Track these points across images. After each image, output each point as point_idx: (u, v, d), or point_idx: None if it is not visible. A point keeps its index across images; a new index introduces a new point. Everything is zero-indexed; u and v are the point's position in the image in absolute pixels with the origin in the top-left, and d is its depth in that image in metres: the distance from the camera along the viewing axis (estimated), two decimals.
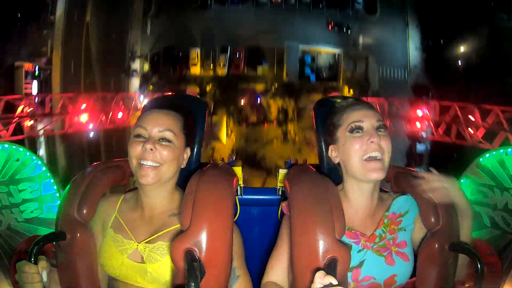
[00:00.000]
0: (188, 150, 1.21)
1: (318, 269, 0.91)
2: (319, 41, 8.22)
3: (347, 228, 1.11)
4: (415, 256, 1.15)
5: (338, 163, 1.19)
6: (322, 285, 0.85)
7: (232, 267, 1.09)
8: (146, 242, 1.10)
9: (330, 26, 7.95)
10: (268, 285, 1.14)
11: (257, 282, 1.17)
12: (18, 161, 1.73)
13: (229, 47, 8.44)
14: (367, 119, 1.12)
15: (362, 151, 1.09)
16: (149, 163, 1.08)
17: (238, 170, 1.49)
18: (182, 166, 1.19)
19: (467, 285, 1.21)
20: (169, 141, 1.11)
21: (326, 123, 1.25)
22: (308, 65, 8.55)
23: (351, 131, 1.12)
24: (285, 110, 8.71)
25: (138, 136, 1.11)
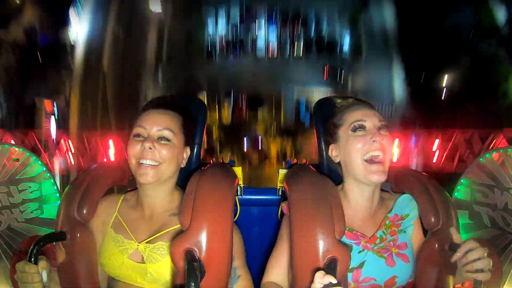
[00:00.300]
0: (188, 150, 1.21)
1: (318, 269, 0.91)
2: (312, 86, 8.99)
3: (347, 228, 1.11)
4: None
5: (339, 163, 1.19)
6: (322, 285, 0.85)
7: (233, 267, 1.09)
8: (146, 242, 1.10)
9: (324, 77, 8.64)
10: (268, 285, 1.14)
11: (257, 282, 1.17)
12: (18, 161, 1.73)
13: (232, 94, 9.28)
14: (369, 118, 1.12)
15: (364, 150, 1.09)
16: (148, 162, 1.08)
17: (238, 170, 1.49)
18: (182, 166, 1.19)
19: (467, 285, 1.21)
20: (168, 140, 1.12)
21: (326, 123, 1.24)
22: (303, 109, 9.24)
23: (354, 130, 1.12)
24: (283, 151, 9.27)
25: (137, 135, 1.11)
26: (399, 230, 1.14)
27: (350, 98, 1.25)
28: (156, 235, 1.10)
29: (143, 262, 1.07)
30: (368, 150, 1.09)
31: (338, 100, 1.25)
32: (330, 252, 0.95)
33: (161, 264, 1.06)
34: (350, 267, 1.06)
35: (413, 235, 1.16)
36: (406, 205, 1.18)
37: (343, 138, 1.15)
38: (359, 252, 1.10)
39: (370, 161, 1.09)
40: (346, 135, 1.14)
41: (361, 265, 1.08)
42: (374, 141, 1.09)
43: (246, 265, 1.15)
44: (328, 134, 1.22)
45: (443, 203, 1.14)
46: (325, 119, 1.27)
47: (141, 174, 1.08)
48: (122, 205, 1.19)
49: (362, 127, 1.12)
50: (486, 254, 0.99)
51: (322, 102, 1.43)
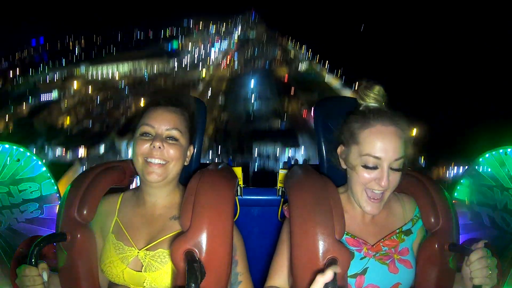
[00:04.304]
0: (192, 148, 1.21)
1: (318, 270, 0.91)
2: None
3: (350, 235, 1.10)
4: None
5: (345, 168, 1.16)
6: (322, 285, 0.85)
7: (234, 273, 1.08)
8: (146, 249, 1.09)
9: None
10: None
11: (258, 282, 1.17)
12: (18, 161, 1.73)
13: None
14: (386, 155, 1.03)
15: (368, 183, 1.06)
16: (157, 160, 1.08)
17: (238, 170, 1.48)
18: (185, 164, 1.18)
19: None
20: (176, 139, 1.12)
21: (333, 122, 1.19)
22: None
23: (364, 166, 1.06)
24: None
25: (145, 134, 1.11)
26: (401, 239, 1.14)
27: (373, 99, 1.09)
28: (156, 242, 1.09)
29: (142, 271, 1.06)
30: (372, 186, 1.06)
31: (366, 98, 1.10)
32: (330, 252, 0.95)
33: (161, 273, 1.05)
34: (353, 273, 1.06)
35: (414, 240, 1.16)
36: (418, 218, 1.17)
37: (353, 159, 1.09)
38: (361, 258, 1.08)
39: (370, 193, 1.07)
40: (356, 159, 1.08)
41: (364, 271, 1.07)
42: (379, 184, 1.05)
43: (248, 270, 1.14)
44: (340, 134, 1.15)
45: (443, 204, 1.14)
46: (326, 119, 1.26)
47: (149, 172, 1.08)
48: (122, 207, 1.18)
49: (373, 167, 1.04)
50: (493, 263, 0.99)
51: (324, 103, 1.42)
